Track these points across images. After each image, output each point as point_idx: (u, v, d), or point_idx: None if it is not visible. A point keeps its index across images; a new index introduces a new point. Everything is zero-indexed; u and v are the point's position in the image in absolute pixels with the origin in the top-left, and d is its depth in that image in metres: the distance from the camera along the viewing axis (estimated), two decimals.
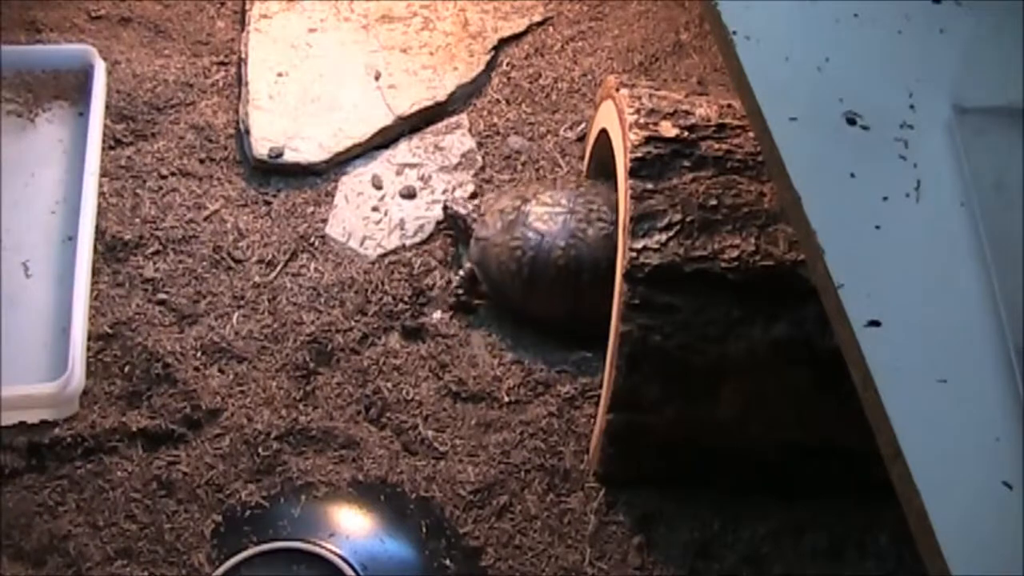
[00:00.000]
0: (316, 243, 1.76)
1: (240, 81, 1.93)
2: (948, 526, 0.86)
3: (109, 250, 1.71)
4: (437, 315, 1.70)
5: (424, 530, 1.49)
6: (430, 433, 1.58)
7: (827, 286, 0.99)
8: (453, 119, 1.93)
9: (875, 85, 1.13)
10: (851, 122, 1.09)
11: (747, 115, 1.15)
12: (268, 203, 1.80)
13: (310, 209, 1.80)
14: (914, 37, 1.17)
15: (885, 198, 1.04)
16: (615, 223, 1.56)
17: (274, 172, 1.84)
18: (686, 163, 1.46)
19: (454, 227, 1.77)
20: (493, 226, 1.68)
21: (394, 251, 1.76)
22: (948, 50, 1.16)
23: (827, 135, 1.08)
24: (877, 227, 1.02)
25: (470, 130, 1.92)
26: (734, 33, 1.15)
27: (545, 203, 1.66)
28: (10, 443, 1.51)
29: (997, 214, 1.02)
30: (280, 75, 1.93)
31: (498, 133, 1.91)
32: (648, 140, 1.47)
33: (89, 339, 1.61)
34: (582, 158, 1.86)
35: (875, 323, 0.96)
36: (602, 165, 1.70)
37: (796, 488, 1.52)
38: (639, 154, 1.46)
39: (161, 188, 1.79)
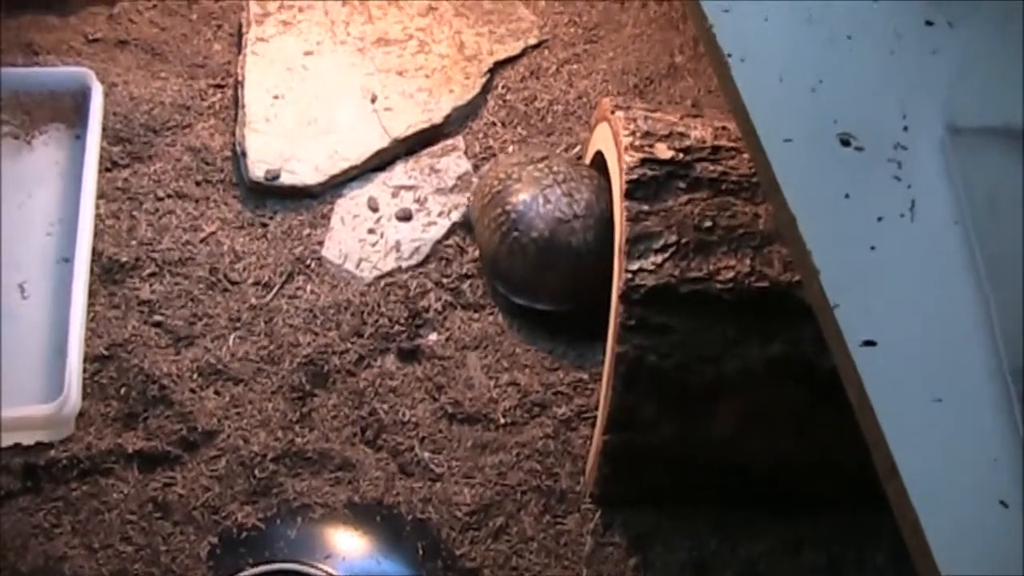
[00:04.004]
0: (312, 265, 1.76)
1: (236, 103, 1.93)
2: (944, 544, 0.86)
3: (105, 272, 1.71)
4: (433, 337, 1.70)
5: (420, 552, 1.49)
6: (426, 455, 1.58)
7: (823, 306, 0.99)
8: (449, 141, 1.94)
9: (869, 106, 1.13)
10: (845, 143, 1.10)
11: (742, 137, 1.16)
12: (264, 225, 1.80)
13: (306, 231, 1.80)
14: (907, 58, 1.18)
15: (880, 218, 1.05)
16: (575, 217, 1.66)
17: (270, 194, 1.84)
18: (681, 184, 1.47)
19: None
20: (508, 158, 1.82)
21: (390, 273, 1.76)
22: (941, 71, 1.17)
23: (821, 156, 1.09)
24: (872, 247, 1.03)
25: (466, 152, 1.92)
26: (729, 55, 1.16)
27: (549, 168, 1.73)
28: (6, 464, 1.51)
29: (992, 233, 1.03)
30: (276, 98, 1.94)
31: (494, 155, 1.91)
32: (643, 162, 1.47)
33: (85, 360, 1.61)
34: None
35: (871, 343, 0.96)
36: None
37: (793, 506, 1.52)
38: (634, 176, 1.46)
39: (157, 210, 1.79)
